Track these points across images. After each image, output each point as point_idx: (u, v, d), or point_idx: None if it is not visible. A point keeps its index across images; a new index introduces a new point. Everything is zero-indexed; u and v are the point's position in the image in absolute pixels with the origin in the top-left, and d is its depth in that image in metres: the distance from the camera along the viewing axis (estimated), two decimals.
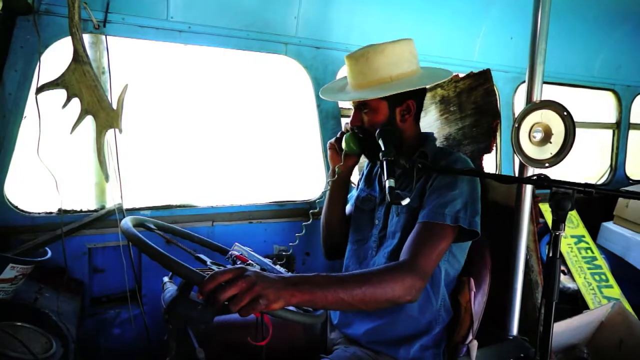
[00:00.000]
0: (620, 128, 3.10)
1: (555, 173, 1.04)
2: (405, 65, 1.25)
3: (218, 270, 0.83)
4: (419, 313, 1.21)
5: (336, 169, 1.37)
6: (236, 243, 1.20)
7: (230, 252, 1.18)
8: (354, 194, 1.52)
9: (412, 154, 1.28)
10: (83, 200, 1.69)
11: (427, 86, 1.29)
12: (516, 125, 1.20)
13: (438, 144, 1.74)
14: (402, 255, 1.11)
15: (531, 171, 1.29)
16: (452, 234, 1.14)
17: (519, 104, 2.57)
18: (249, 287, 0.81)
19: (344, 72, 2.05)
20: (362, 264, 1.32)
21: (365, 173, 1.50)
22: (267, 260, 1.13)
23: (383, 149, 1.13)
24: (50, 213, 1.58)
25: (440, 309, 1.22)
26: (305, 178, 2.37)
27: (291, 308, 0.93)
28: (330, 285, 0.93)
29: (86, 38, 1.56)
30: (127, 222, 1.02)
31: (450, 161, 1.21)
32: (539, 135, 1.17)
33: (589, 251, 2.55)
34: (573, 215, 2.63)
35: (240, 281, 0.81)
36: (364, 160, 1.48)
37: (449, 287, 1.25)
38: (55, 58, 1.46)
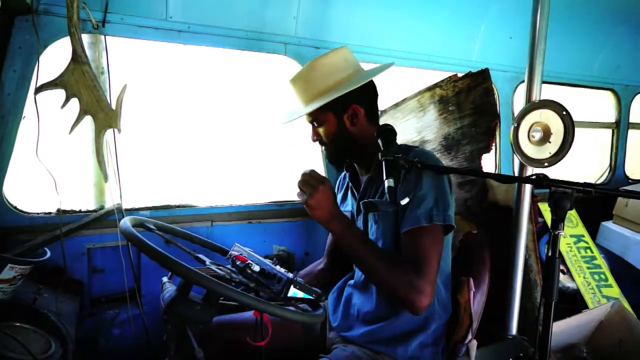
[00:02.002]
0: (620, 127, 3.11)
1: (554, 173, 1.04)
2: (340, 73, 1.27)
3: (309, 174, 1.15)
4: None
5: None
6: (236, 243, 1.20)
7: (230, 252, 1.18)
8: None
9: (374, 155, 1.27)
10: (82, 201, 1.69)
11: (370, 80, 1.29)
12: (515, 125, 1.20)
13: (437, 143, 1.74)
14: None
15: (530, 171, 1.29)
16: (438, 231, 1.13)
17: (519, 104, 2.57)
18: (308, 181, 1.13)
19: None
20: (355, 274, 1.34)
21: (341, 191, 1.50)
22: (267, 261, 1.12)
23: (382, 148, 1.13)
24: (49, 213, 1.58)
25: (435, 304, 1.21)
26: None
27: (290, 307, 0.93)
28: (359, 241, 1.14)
29: (85, 38, 1.56)
30: (126, 222, 1.02)
31: (414, 157, 1.17)
32: (538, 135, 1.17)
33: (588, 250, 2.55)
34: (572, 215, 2.63)
35: (311, 175, 1.14)
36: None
37: (443, 282, 1.24)
38: (54, 58, 1.46)
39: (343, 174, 1.52)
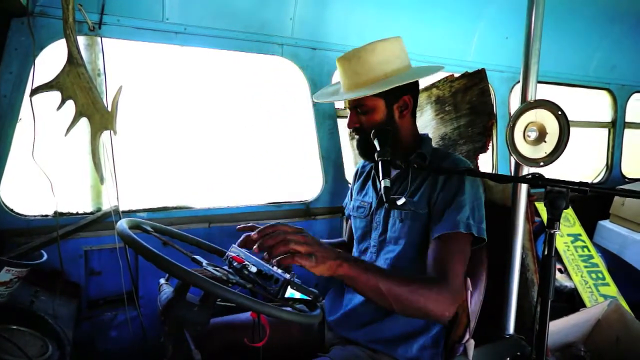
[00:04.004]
0: (616, 127, 3.12)
1: (554, 172, 1.04)
2: (398, 62, 1.25)
3: (284, 224, 0.94)
4: None
5: None
6: (233, 245, 1.20)
7: (227, 254, 1.18)
8: (347, 204, 1.51)
9: (409, 154, 1.27)
10: (79, 203, 1.69)
11: (420, 79, 1.28)
12: (511, 125, 1.20)
13: (434, 143, 1.75)
14: (432, 273, 1.09)
15: (526, 170, 1.30)
16: (469, 241, 1.14)
17: (515, 104, 2.58)
18: (309, 242, 0.92)
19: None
20: None
21: (360, 180, 1.48)
22: (264, 262, 1.12)
23: (378, 149, 1.13)
24: (46, 216, 1.57)
25: None
26: (302, 178, 2.37)
27: (288, 308, 0.93)
28: (374, 273, 1.00)
29: (81, 40, 1.56)
30: (122, 224, 1.02)
31: (449, 164, 1.21)
32: (533, 135, 1.17)
33: (585, 249, 2.56)
34: (569, 214, 2.64)
35: (303, 235, 0.93)
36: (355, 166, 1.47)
37: None
38: (51, 60, 1.45)
39: (365, 162, 1.48)
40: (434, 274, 1.09)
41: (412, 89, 1.27)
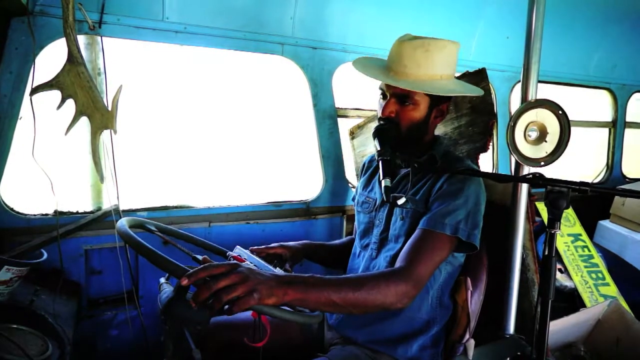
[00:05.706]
0: (616, 127, 3.12)
1: (556, 172, 1.04)
2: (452, 68, 1.25)
3: (212, 263, 0.85)
4: (417, 312, 1.21)
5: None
6: (237, 246, 1.21)
7: (228, 254, 1.18)
8: (355, 197, 1.51)
9: (422, 154, 1.27)
10: (79, 202, 1.69)
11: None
12: (511, 124, 1.20)
13: None
14: (399, 261, 1.10)
15: (527, 170, 1.30)
16: (451, 245, 1.13)
17: (516, 103, 2.58)
18: (242, 280, 0.82)
19: (340, 72, 2.06)
20: (362, 266, 1.32)
21: (366, 175, 1.47)
22: (264, 263, 1.12)
23: (379, 148, 1.13)
24: (46, 215, 1.57)
25: (438, 309, 1.22)
26: (302, 178, 2.37)
27: (287, 308, 0.93)
28: (324, 287, 0.94)
29: (82, 39, 1.56)
30: (122, 222, 1.02)
31: (465, 168, 1.20)
32: (534, 134, 1.17)
33: (585, 249, 2.56)
34: (570, 214, 2.64)
35: (233, 274, 0.82)
36: (361, 162, 1.47)
37: (448, 286, 1.25)
38: (51, 59, 1.45)
39: (371, 157, 1.47)
40: (401, 262, 1.09)
41: (451, 99, 1.29)
